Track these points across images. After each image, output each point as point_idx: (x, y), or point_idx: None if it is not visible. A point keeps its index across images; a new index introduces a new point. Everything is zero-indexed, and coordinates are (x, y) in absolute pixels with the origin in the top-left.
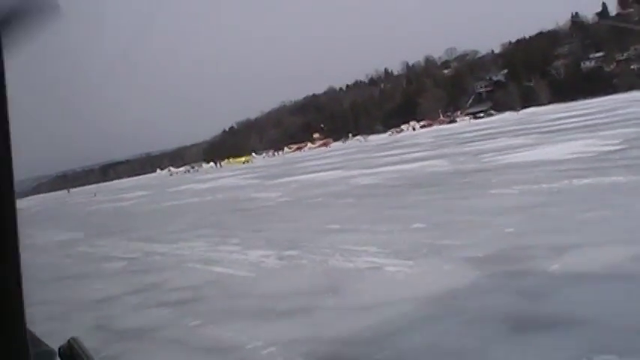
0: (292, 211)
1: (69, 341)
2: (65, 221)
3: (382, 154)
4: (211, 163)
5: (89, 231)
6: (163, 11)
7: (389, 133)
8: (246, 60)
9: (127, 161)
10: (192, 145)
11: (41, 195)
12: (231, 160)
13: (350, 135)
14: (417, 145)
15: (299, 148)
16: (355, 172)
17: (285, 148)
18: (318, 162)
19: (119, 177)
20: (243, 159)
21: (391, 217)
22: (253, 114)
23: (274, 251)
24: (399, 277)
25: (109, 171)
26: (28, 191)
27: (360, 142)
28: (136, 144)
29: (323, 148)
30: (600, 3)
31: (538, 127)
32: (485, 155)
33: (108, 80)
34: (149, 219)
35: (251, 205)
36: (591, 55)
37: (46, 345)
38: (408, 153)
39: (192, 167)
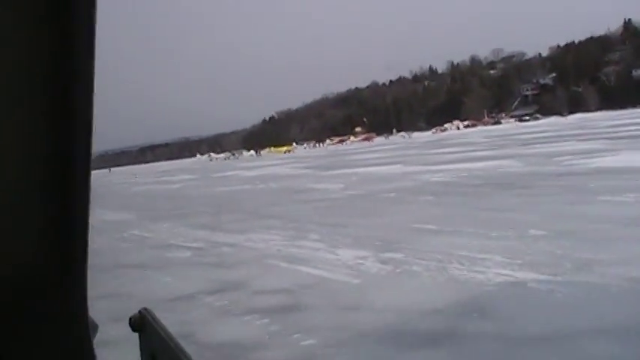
0: (368, 206)
1: (140, 312)
2: (112, 201)
3: (438, 151)
4: (252, 151)
5: (141, 213)
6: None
7: (432, 131)
8: (289, 50)
9: (166, 144)
10: (232, 133)
11: None
12: (272, 149)
13: (394, 131)
14: (472, 144)
15: (341, 141)
16: (418, 168)
17: (327, 140)
18: (368, 155)
19: (157, 159)
20: (284, 148)
21: (492, 220)
22: (295, 104)
23: (369, 252)
24: (558, 299)
25: (147, 153)
26: None
27: (404, 138)
28: (175, 128)
29: (366, 143)
30: None
31: (600, 133)
32: (561, 158)
33: (151, 64)
34: (202, 204)
35: (314, 196)
36: None
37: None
38: (468, 151)
39: (233, 154)
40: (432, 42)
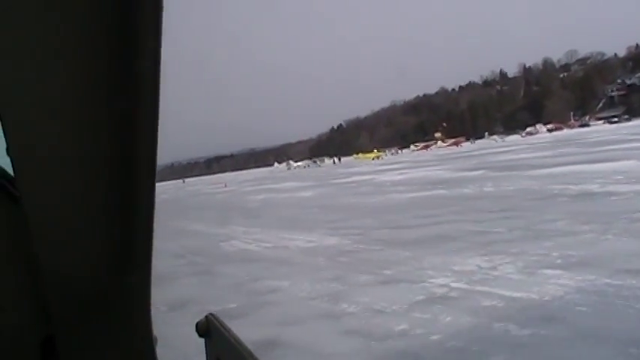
0: None
1: (206, 317)
2: (251, 216)
3: (600, 148)
4: (334, 158)
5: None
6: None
7: (522, 134)
8: (356, 59)
9: (231, 155)
10: (298, 142)
11: (158, 184)
12: (360, 155)
13: (486, 134)
14: (618, 142)
15: (426, 147)
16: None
17: (412, 146)
18: (515, 156)
19: (223, 170)
20: (373, 155)
21: None
22: (363, 113)
23: None
24: None
25: (213, 164)
26: None
27: (497, 142)
28: (240, 139)
29: (454, 147)
30: None
31: None
32: None
33: (215, 77)
34: (383, 221)
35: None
36: None
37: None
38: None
39: (314, 162)
40: (503, 45)
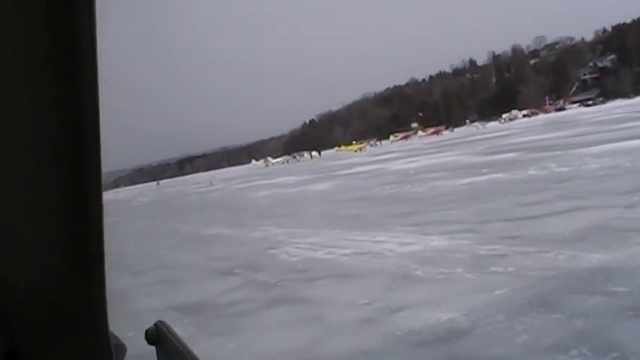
0: None
1: (156, 325)
2: (275, 214)
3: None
4: (314, 152)
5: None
6: (244, 7)
7: (501, 120)
8: (325, 53)
9: (204, 155)
10: (271, 139)
11: (129, 188)
12: (342, 147)
13: (467, 121)
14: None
15: (405, 137)
16: None
17: (391, 137)
18: (510, 140)
19: (196, 171)
20: (355, 147)
21: None
22: (335, 106)
23: None
24: None
25: (185, 165)
26: (107, 185)
27: (478, 128)
28: (212, 138)
29: (435, 136)
30: None
31: None
32: None
33: (183, 75)
34: (472, 212)
35: None
36: None
37: (119, 339)
38: None
39: (294, 157)
40: (471, 33)
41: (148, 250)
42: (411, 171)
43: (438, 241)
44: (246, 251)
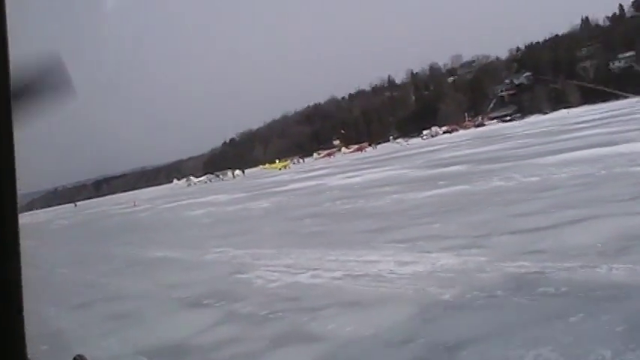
0: None
1: (74, 358)
2: (244, 231)
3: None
4: (237, 171)
5: None
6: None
7: (423, 137)
8: (244, 71)
9: (123, 175)
10: (189, 159)
11: (46, 210)
12: (267, 165)
13: (391, 138)
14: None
15: (329, 154)
16: None
17: (315, 154)
18: (444, 154)
19: (113, 192)
20: (280, 165)
21: None
22: (255, 124)
23: None
24: None
25: (102, 185)
26: (22, 207)
27: (401, 145)
28: (130, 158)
29: (359, 153)
30: (615, 5)
31: None
32: None
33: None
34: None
35: None
36: (620, 55)
37: None
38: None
39: (217, 176)
40: (389, 53)
41: (84, 278)
42: (356, 186)
43: (445, 259)
44: (208, 277)
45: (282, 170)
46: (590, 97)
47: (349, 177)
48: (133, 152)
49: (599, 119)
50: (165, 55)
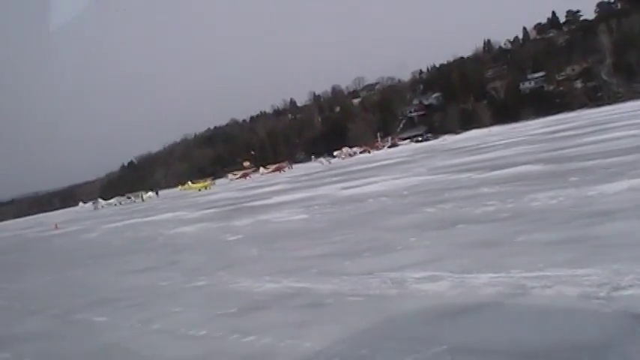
0: None
1: None
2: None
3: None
4: (150, 193)
5: None
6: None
7: (342, 156)
8: (142, 94)
9: (12, 201)
10: (85, 183)
11: None
12: (187, 186)
13: (313, 157)
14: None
15: (244, 175)
16: None
17: (230, 175)
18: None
19: (3, 219)
20: (200, 185)
21: None
22: (155, 147)
23: None
24: None
25: None
26: None
27: (323, 164)
28: (19, 183)
29: (277, 173)
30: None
31: None
32: None
33: None
34: None
35: None
36: (529, 76)
37: None
38: None
39: (128, 197)
40: (290, 76)
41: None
42: (370, 200)
43: None
44: None
45: (203, 191)
46: (501, 117)
47: (341, 189)
48: (23, 176)
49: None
50: (59, 70)
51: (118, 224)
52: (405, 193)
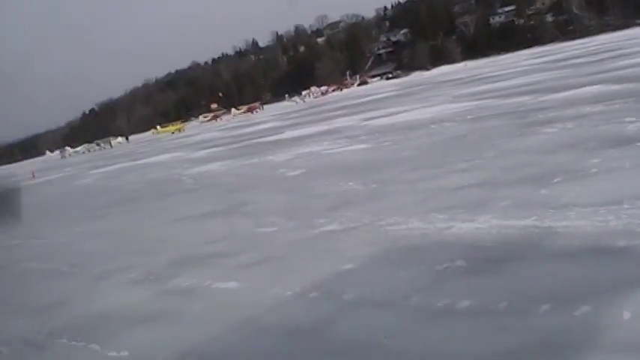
0: None
1: None
2: None
3: None
4: (119, 138)
5: None
6: None
7: (314, 95)
8: (99, 38)
9: None
10: (47, 132)
11: None
12: (159, 129)
13: (287, 96)
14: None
15: (215, 117)
16: None
17: (201, 117)
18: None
19: None
20: (173, 128)
21: None
22: (115, 94)
23: None
24: None
25: None
26: None
27: (297, 103)
28: None
29: (249, 114)
30: None
31: None
32: None
33: None
34: None
35: None
36: (499, 10)
37: None
38: None
39: (97, 144)
40: (251, 16)
41: None
42: (433, 125)
43: None
44: None
45: (177, 134)
46: (472, 52)
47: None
48: None
49: None
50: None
51: (108, 169)
52: (470, 117)
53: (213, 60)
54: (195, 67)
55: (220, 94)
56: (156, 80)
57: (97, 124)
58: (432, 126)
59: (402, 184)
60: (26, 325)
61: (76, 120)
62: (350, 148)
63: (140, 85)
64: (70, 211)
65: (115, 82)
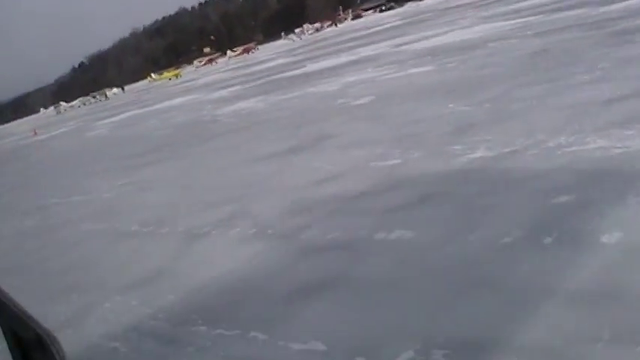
0: None
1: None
2: None
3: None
4: (115, 89)
5: None
6: None
7: (309, 31)
8: None
9: None
10: (37, 90)
11: None
12: (154, 76)
13: (283, 34)
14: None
15: (210, 61)
16: None
17: (195, 62)
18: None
19: None
20: (170, 74)
21: None
22: (104, 45)
23: None
24: None
25: None
26: None
27: (294, 41)
28: None
29: (246, 55)
30: None
31: None
32: None
33: None
34: None
35: None
36: None
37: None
38: None
39: (94, 97)
40: None
41: None
42: (491, 43)
43: None
44: None
45: (175, 80)
46: None
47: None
48: None
49: None
50: None
51: (115, 119)
52: (530, 32)
53: (200, 4)
54: (182, 12)
55: (212, 38)
56: (144, 29)
57: (88, 78)
58: (490, 44)
59: (524, 101)
60: (170, 311)
61: (65, 76)
62: (411, 71)
63: (128, 34)
64: (98, 164)
65: (102, 34)
